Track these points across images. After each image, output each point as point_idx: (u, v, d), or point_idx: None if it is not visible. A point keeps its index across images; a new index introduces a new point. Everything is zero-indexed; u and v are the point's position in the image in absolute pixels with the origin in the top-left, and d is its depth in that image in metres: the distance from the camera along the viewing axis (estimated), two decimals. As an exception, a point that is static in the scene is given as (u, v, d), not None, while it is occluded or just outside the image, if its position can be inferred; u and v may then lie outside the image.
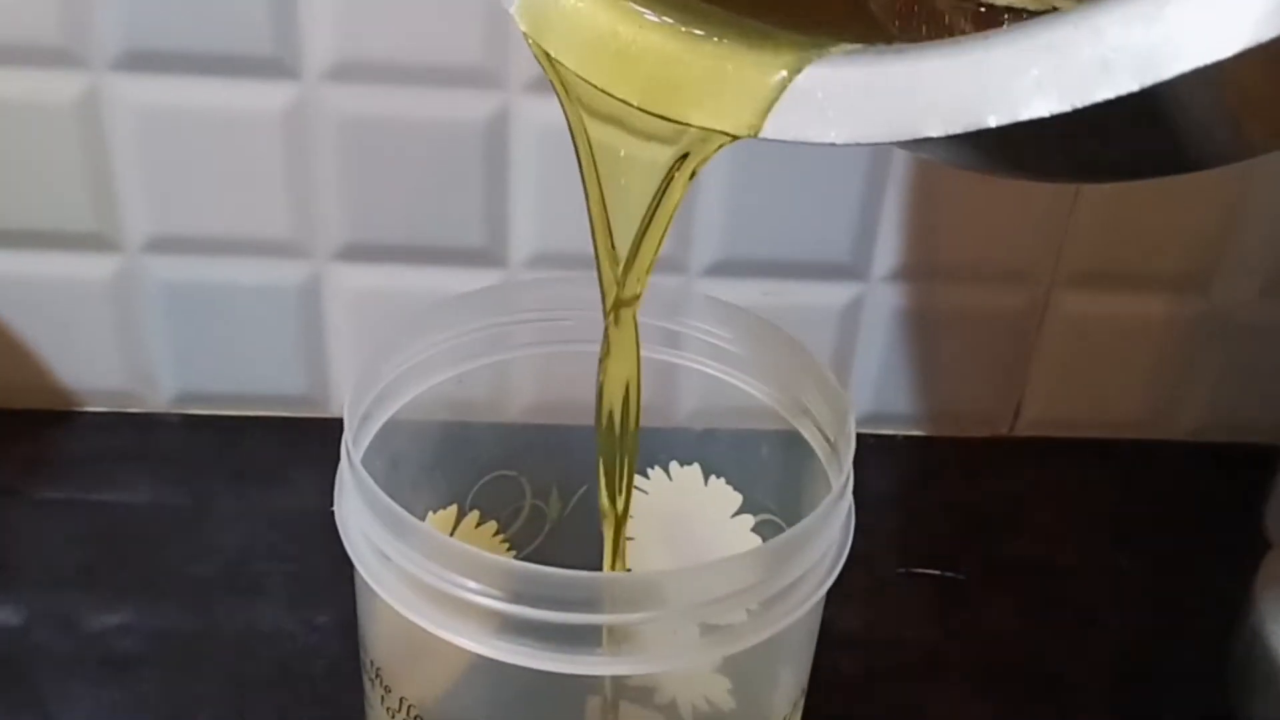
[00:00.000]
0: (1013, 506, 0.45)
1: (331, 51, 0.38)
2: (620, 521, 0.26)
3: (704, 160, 0.21)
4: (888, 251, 0.43)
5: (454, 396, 0.27)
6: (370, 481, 0.22)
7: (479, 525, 0.30)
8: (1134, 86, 0.16)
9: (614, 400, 0.25)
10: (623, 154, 0.21)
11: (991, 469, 0.47)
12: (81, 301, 0.42)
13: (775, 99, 0.18)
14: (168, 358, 0.43)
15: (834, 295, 0.44)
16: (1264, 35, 0.15)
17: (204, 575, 0.38)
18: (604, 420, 0.25)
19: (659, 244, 0.23)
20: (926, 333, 0.45)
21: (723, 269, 0.43)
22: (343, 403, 0.44)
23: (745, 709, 0.27)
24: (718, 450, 0.29)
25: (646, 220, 0.22)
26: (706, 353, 0.28)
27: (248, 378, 0.44)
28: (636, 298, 0.23)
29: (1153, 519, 0.45)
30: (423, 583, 0.21)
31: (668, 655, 0.22)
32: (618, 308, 0.24)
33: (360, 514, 0.22)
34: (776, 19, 0.20)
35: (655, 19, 0.19)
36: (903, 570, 0.42)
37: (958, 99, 0.16)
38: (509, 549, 0.30)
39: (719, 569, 0.22)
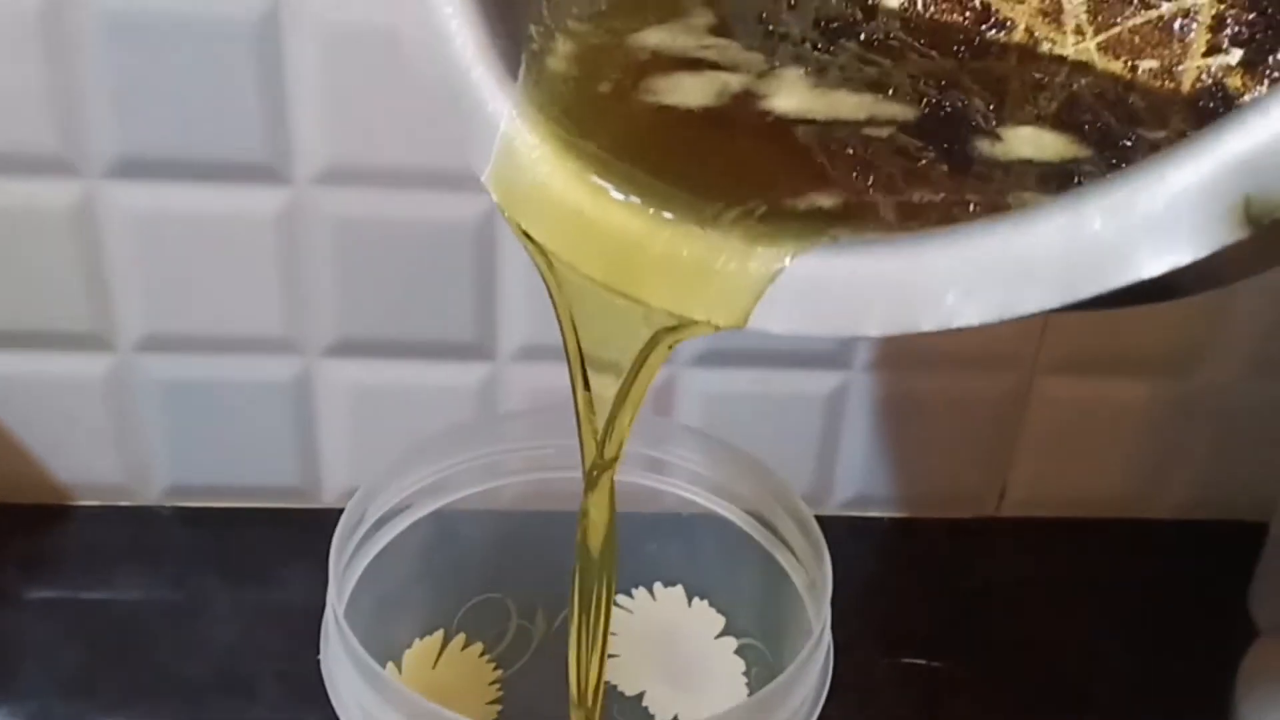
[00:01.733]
0: (999, 589, 0.46)
1: (322, 157, 0.39)
2: (595, 699, 0.26)
3: (684, 338, 0.21)
4: (872, 340, 0.44)
5: (439, 527, 0.28)
6: (354, 641, 0.22)
7: (465, 648, 0.30)
8: (1056, 303, 0.17)
9: (588, 562, 0.25)
10: (600, 327, 0.22)
11: (978, 550, 0.47)
12: (77, 399, 0.43)
13: (756, 296, 0.19)
14: (162, 452, 0.44)
15: (819, 383, 0.45)
16: (1197, 253, 0.16)
17: (197, 675, 0.39)
18: (581, 583, 0.26)
19: (635, 412, 0.23)
20: (911, 418, 0.46)
21: (710, 359, 0.44)
22: (332, 494, 0.45)
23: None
24: (701, 573, 0.29)
25: (625, 391, 0.22)
26: (691, 479, 0.28)
27: (241, 470, 0.45)
28: (615, 460, 0.24)
29: (1140, 601, 0.45)
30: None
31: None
32: (596, 471, 0.24)
33: (345, 670, 0.23)
34: (731, 180, 0.21)
35: (620, 197, 0.20)
36: (888, 661, 0.42)
37: (892, 305, 0.17)
38: (495, 668, 0.31)
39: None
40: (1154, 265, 0.16)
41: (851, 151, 0.22)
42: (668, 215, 0.20)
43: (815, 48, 0.24)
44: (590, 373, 0.22)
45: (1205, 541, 0.47)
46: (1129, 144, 0.22)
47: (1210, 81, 0.24)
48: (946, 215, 0.19)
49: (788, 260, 0.18)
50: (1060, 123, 0.22)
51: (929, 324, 0.17)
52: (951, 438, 0.46)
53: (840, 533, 0.47)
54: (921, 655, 0.42)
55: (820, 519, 0.47)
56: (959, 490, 0.48)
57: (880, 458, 0.47)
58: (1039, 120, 0.23)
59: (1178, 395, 0.46)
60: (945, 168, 0.21)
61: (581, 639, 0.25)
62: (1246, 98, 0.24)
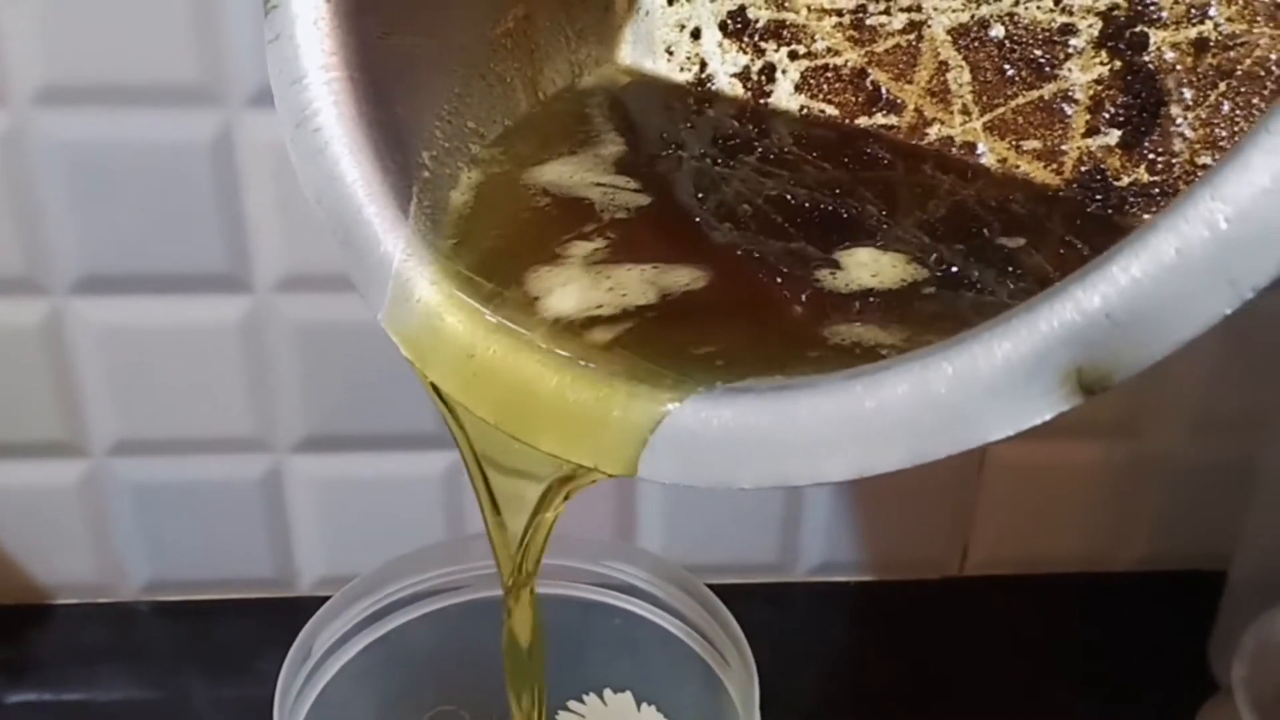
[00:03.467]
0: (964, 649, 0.47)
1: (281, 265, 0.40)
2: None
3: (585, 486, 0.22)
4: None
5: (388, 649, 0.29)
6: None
7: (425, 757, 0.31)
8: (911, 463, 0.17)
9: (520, 653, 0.26)
10: (502, 474, 0.22)
11: (943, 610, 0.48)
12: (53, 503, 0.44)
13: (640, 445, 0.19)
14: (138, 550, 0.45)
15: (779, 457, 0.46)
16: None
17: (178, 774, 0.40)
18: (512, 673, 0.26)
19: (548, 533, 0.24)
20: (872, 486, 0.47)
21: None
22: (308, 581, 0.46)
23: None
24: (648, 680, 0.30)
25: (529, 531, 0.23)
26: (636, 595, 0.29)
27: (217, 564, 0.46)
28: (531, 575, 0.25)
29: (1100, 652, 0.46)
30: None
31: None
32: (515, 588, 0.25)
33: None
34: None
35: (520, 333, 0.20)
36: (856, 728, 0.43)
37: (764, 461, 0.18)
38: (456, 773, 0.32)
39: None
40: (1000, 429, 0.17)
41: (750, 208, 0.23)
42: (565, 355, 0.20)
43: (715, 163, 0.25)
44: (500, 506, 0.23)
45: (1165, 591, 0.48)
46: (973, 262, 0.22)
47: (1091, 164, 0.24)
48: (817, 360, 0.20)
49: (669, 407, 0.18)
50: (931, 233, 0.23)
51: (799, 480, 0.18)
52: (912, 503, 0.47)
53: (807, 598, 0.49)
54: (889, 718, 0.43)
55: (787, 585, 0.48)
56: (922, 553, 0.49)
57: (843, 525, 0.48)
58: (926, 225, 0.23)
59: (1128, 455, 0.47)
60: (804, 300, 0.21)
61: None
62: (1124, 180, 0.24)
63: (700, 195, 0.24)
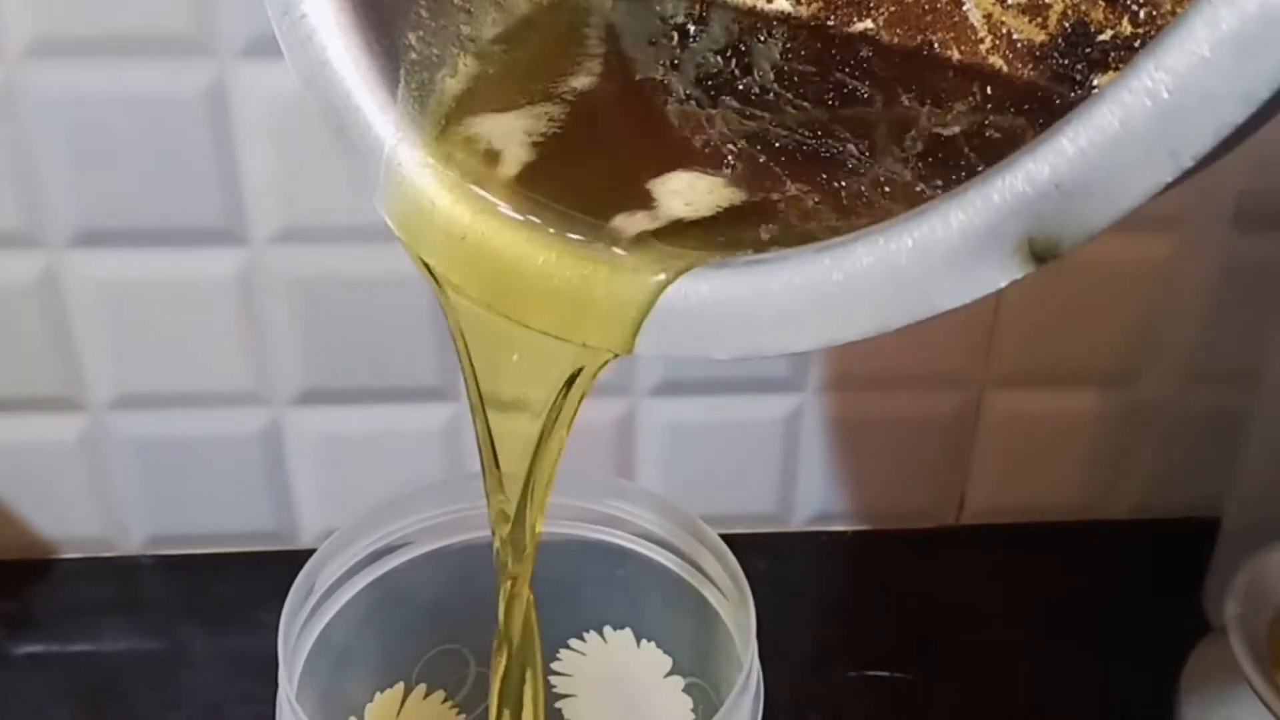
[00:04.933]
0: (961, 597, 0.47)
1: (276, 218, 0.40)
2: None
3: (590, 381, 0.22)
4: (823, 363, 0.45)
5: (390, 587, 0.29)
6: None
7: (427, 696, 0.31)
8: (872, 333, 0.18)
9: (513, 635, 0.26)
10: (505, 372, 0.22)
11: (939, 559, 0.48)
12: (54, 458, 0.44)
13: (637, 320, 0.19)
14: (139, 505, 0.45)
15: (776, 407, 0.46)
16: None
17: (182, 723, 0.40)
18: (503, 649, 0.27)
19: (550, 483, 0.24)
20: (868, 436, 0.47)
21: (668, 389, 0.45)
22: (309, 535, 0.46)
23: None
24: (647, 617, 0.31)
25: (528, 480, 0.23)
26: (633, 531, 0.30)
27: (218, 518, 0.46)
28: (528, 569, 0.24)
29: (1096, 600, 0.47)
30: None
31: None
32: (511, 590, 0.25)
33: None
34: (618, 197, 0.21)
35: (507, 215, 0.20)
36: (855, 673, 0.43)
37: (738, 332, 0.18)
38: (459, 713, 0.32)
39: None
40: (955, 298, 0.17)
41: (735, 147, 0.23)
42: (553, 232, 0.20)
43: (699, 105, 0.25)
44: (500, 430, 0.23)
45: (1160, 539, 0.49)
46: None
47: (1075, 17, 0.24)
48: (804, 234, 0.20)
49: (663, 279, 0.19)
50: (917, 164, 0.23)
51: (771, 349, 0.19)
52: (908, 453, 0.48)
53: (805, 548, 0.49)
54: (886, 667, 0.43)
55: (785, 536, 0.49)
56: (919, 502, 0.49)
57: (840, 475, 0.48)
58: (904, 162, 0.24)
59: (1123, 403, 0.47)
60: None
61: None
62: (1107, 33, 0.24)
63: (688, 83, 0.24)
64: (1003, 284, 0.17)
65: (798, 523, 0.49)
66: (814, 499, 0.48)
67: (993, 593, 0.47)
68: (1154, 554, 0.48)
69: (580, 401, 0.23)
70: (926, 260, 0.17)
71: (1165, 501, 0.49)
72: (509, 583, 0.25)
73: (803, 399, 0.46)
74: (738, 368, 0.45)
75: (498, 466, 0.23)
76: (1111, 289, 0.45)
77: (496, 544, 0.24)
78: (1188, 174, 0.16)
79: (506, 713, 0.26)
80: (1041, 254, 0.17)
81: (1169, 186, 0.16)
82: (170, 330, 0.42)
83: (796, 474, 0.47)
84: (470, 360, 0.23)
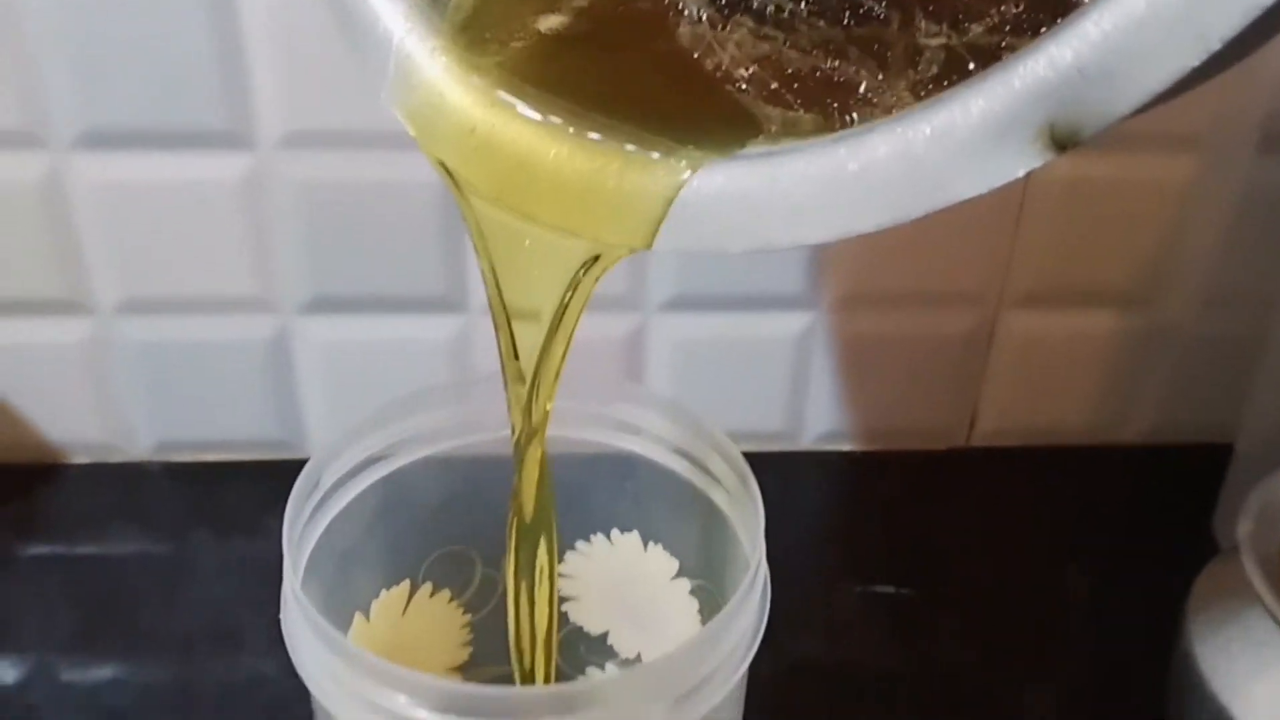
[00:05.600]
0: (968, 518, 0.47)
1: (282, 122, 0.40)
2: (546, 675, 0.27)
3: (602, 271, 0.22)
4: (837, 280, 0.45)
5: (397, 486, 0.29)
6: (312, 610, 0.23)
7: (433, 595, 0.31)
8: (889, 224, 0.18)
9: (527, 575, 0.26)
10: (520, 266, 0.22)
11: (948, 480, 0.48)
12: (60, 362, 0.44)
13: (658, 214, 0.19)
14: (146, 411, 0.45)
15: (787, 325, 0.46)
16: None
17: (188, 626, 0.40)
18: (515, 606, 0.27)
19: (562, 360, 0.24)
20: (879, 354, 0.47)
21: (678, 304, 0.45)
22: (315, 444, 0.46)
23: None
24: (654, 520, 0.31)
25: (550, 335, 0.23)
26: (638, 434, 0.29)
27: (225, 426, 0.46)
28: (544, 423, 0.24)
29: (1105, 524, 0.46)
30: (361, 695, 0.23)
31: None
32: (526, 441, 0.25)
33: (304, 635, 0.24)
34: (630, 94, 0.21)
35: (520, 111, 0.20)
36: (860, 589, 0.43)
37: (752, 226, 0.18)
38: (465, 613, 0.32)
39: (645, 671, 0.24)
40: (974, 187, 0.17)
41: (746, 71, 0.23)
42: (567, 128, 0.20)
43: (712, 26, 0.25)
44: (515, 322, 0.23)
45: (1172, 465, 0.48)
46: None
47: None
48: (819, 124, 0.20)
49: (685, 173, 0.19)
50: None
51: (783, 242, 0.18)
52: (920, 372, 0.47)
53: (813, 467, 0.49)
54: (891, 583, 0.43)
55: (792, 455, 0.49)
56: (929, 423, 0.49)
57: (850, 394, 0.48)
58: (918, 85, 0.23)
59: (1140, 325, 0.46)
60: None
61: (520, 595, 0.27)
62: None
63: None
64: (1021, 172, 0.17)
65: (806, 442, 0.49)
66: (823, 418, 0.48)
67: (1001, 514, 0.47)
68: (1165, 479, 0.48)
69: (595, 283, 0.22)
70: (945, 148, 0.17)
71: (1178, 427, 0.49)
72: (525, 444, 0.24)
73: (815, 316, 0.45)
74: (750, 283, 0.45)
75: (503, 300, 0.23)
76: (1132, 210, 0.44)
77: (511, 400, 0.24)
78: (1213, 67, 0.15)
79: (523, 584, 0.26)
80: (1062, 141, 0.16)
81: (1194, 77, 0.15)
82: (176, 235, 0.41)
83: (806, 392, 0.47)
84: (489, 258, 0.23)
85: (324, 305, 0.43)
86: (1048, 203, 0.43)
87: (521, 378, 0.23)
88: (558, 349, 0.23)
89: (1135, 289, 0.46)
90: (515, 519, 0.26)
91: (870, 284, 0.45)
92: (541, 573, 0.26)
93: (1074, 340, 0.47)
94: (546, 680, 0.27)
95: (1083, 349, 0.47)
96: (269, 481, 0.45)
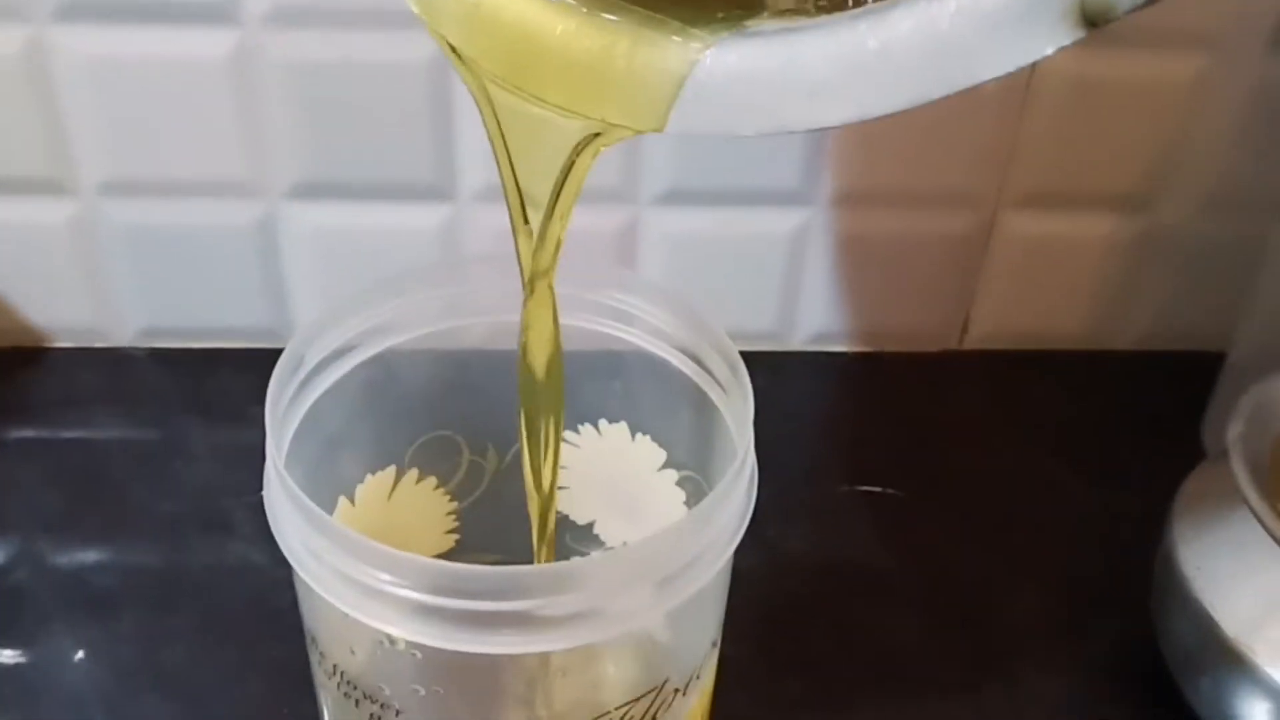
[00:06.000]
0: (960, 420, 0.47)
1: (270, -4, 0.38)
2: (547, 501, 0.27)
3: (611, 144, 0.21)
4: (835, 176, 0.44)
5: (382, 368, 0.29)
6: (295, 488, 0.23)
7: (419, 481, 0.31)
8: (906, 106, 0.17)
9: (536, 367, 0.26)
10: (532, 137, 0.22)
11: (940, 383, 0.48)
12: (44, 244, 0.43)
13: (671, 95, 0.19)
14: (132, 295, 0.45)
15: (782, 221, 0.45)
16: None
17: (174, 510, 0.40)
18: (526, 386, 0.26)
19: (567, 217, 0.23)
20: (875, 254, 0.46)
21: (672, 198, 0.44)
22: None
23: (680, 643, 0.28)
24: (642, 410, 0.30)
25: (555, 195, 0.23)
26: (628, 322, 0.29)
27: (211, 312, 0.45)
28: (551, 267, 0.24)
29: (1096, 430, 0.46)
30: (346, 575, 0.23)
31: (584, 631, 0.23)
32: (534, 280, 0.25)
33: (287, 512, 0.24)
34: None
35: None
36: (846, 488, 0.43)
37: (767, 106, 0.18)
38: (451, 499, 0.32)
39: (630, 553, 0.24)
40: (999, 66, 0.16)
41: None
42: (574, 3, 0.19)
43: None
44: (522, 185, 0.23)
45: (1164, 372, 0.48)
46: None
47: None
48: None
49: (700, 56, 0.18)
50: None
51: (799, 124, 0.18)
52: (915, 273, 0.47)
53: (804, 368, 0.48)
54: (879, 483, 0.43)
55: (784, 355, 0.48)
56: (922, 325, 0.48)
57: (844, 294, 0.47)
58: None
59: (1139, 230, 0.46)
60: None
61: (535, 454, 0.27)
62: None
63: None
64: (1049, 50, 0.16)
65: (798, 342, 0.48)
66: (816, 318, 0.48)
67: (991, 417, 0.47)
68: (1158, 387, 0.48)
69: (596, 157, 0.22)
70: (971, 24, 0.16)
71: (1173, 335, 0.49)
72: (535, 288, 0.24)
73: (811, 214, 0.45)
74: (746, 178, 0.44)
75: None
76: (1138, 109, 0.43)
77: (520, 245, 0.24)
78: None
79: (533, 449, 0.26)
80: (1093, 18, 0.16)
81: None
82: (161, 114, 0.41)
83: (799, 291, 0.47)
84: (503, 139, 0.22)
85: (312, 190, 0.43)
86: (1052, 101, 0.42)
87: (526, 219, 0.23)
88: (565, 202, 0.23)
89: (1137, 191, 0.45)
90: (524, 386, 0.26)
91: (868, 181, 0.44)
92: (548, 441, 0.26)
93: (1072, 243, 0.46)
94: (543, 546, 0.27)
95: (1081, 253, 0.46)
96: (256, 369, 0.45)
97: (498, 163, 0.24)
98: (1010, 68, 0.16)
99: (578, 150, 0.22)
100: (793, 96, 0.18)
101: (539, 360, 0.26)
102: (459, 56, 0.22)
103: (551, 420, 0.27)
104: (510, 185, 0.24)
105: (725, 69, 0.18)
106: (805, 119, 0.18)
